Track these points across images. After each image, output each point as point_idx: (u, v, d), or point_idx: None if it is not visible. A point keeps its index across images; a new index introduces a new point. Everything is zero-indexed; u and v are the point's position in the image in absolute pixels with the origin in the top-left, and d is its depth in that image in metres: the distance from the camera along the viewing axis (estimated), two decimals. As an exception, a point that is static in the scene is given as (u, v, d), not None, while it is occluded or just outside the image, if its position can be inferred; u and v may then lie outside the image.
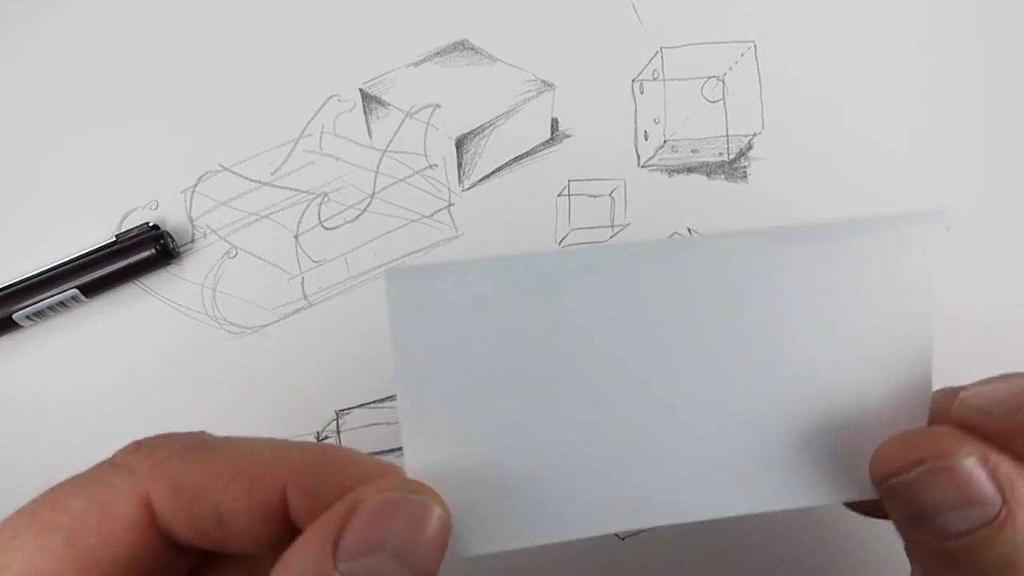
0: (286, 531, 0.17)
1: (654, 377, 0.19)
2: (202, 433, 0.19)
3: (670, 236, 0.36)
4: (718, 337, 0.19)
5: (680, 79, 0.37)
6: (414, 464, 0.18)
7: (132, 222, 0.36)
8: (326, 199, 0.36)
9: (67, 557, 0.16)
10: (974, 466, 0.17)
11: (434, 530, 0.17)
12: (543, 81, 0.37)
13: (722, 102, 0.37)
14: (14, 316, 0.34)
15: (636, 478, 0.19)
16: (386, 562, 0.16)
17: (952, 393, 0.20)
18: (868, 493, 0.20)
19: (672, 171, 0.36)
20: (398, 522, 0.16)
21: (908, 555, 0.21)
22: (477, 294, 0.18)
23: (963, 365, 0.35)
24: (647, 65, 0.37)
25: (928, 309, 0.19)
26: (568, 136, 0.37)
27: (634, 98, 0.37)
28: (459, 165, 0.36)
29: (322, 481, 0.17)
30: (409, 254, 0.36)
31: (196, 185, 0.36)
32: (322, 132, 0.36)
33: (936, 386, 0.20)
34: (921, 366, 0.19)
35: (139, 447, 0.18)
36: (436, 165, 0.36)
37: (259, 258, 0.36)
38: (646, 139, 0.36)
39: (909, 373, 0.19)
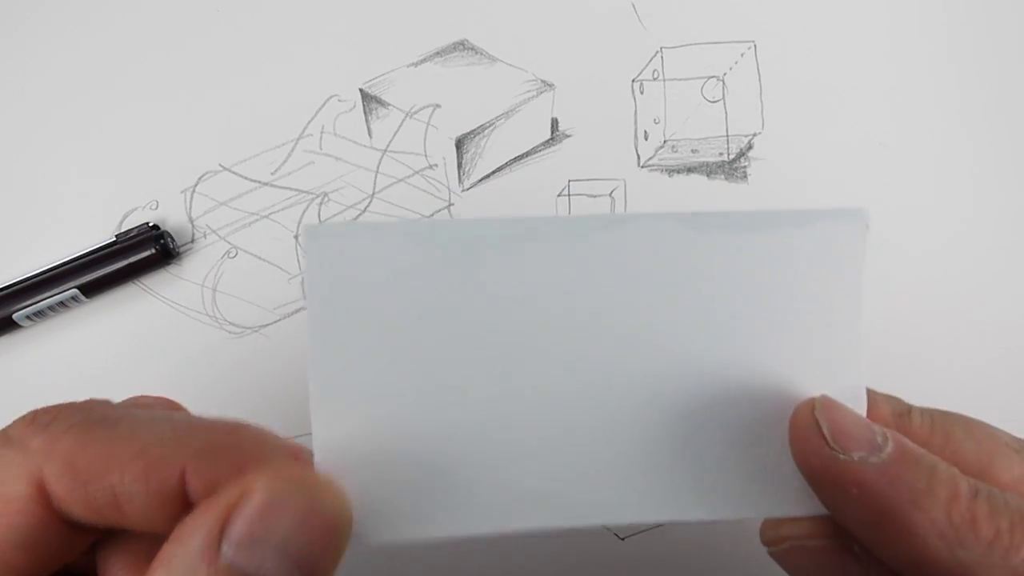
0: (185, 511, 0.17)
1: (573, 361, 0.18)
2: (103, 404, 0.18)
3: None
4: (638, 323, 0.18)
5: (680, 79, 0.37)
6: (322, 446, 0.17)
7: (132, 222, 0.36)
8: (326, 199, 0.36)
9: None
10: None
11: (324, 530, 0.16)
12: (543, 81, 0.37)
13: (722, 102, 0.37)
14: (14, 316, 0.34)
15: (555, 470, 0.18)
16: (268, 557, 0.15)
17: (901, 410, 0.19)
18: (797, 510, 0.19)
19: (672, 171, 0.36)
20: (285, 519, 0.16)
21: None
22: (396, 257, 0.17)
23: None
24: (647, 65, 0.37)
25: (854, 312, 0.18)
26: (568, 136, 0.36)
27: (634, 98, 0.37)
28: (459, 165, 0.36)
29: (221, 465, 0.17)
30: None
31: (196, 185, 0.36)
32: (322, 132, 0.36)
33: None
34: (851, 376, 0.18)
35: (35, 419, 0.17)
36: (436, 165, 0.36)
37: (259, 258, 0.36)
38: (646, 139, 0.36)
39: (838, 383, 0.18)
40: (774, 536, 0.19)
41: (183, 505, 0.17)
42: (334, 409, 0.18)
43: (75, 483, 0.16)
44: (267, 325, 0.35)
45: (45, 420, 0.17)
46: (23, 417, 0.17)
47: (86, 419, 0.17)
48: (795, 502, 0.18)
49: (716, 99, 0.37)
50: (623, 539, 0.34)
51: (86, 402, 0.18)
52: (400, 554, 0.34)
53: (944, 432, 0.19)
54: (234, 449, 0.17)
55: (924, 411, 0.19)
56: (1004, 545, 0.16)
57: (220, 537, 0.15)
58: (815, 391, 0.18)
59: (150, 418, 0.18)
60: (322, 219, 0.36)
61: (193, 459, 0.17)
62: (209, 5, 0.37)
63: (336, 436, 0.18)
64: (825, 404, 0.17)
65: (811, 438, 0.17)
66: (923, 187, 0.36)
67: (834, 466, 0.16)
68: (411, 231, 0.17)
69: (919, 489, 0.16)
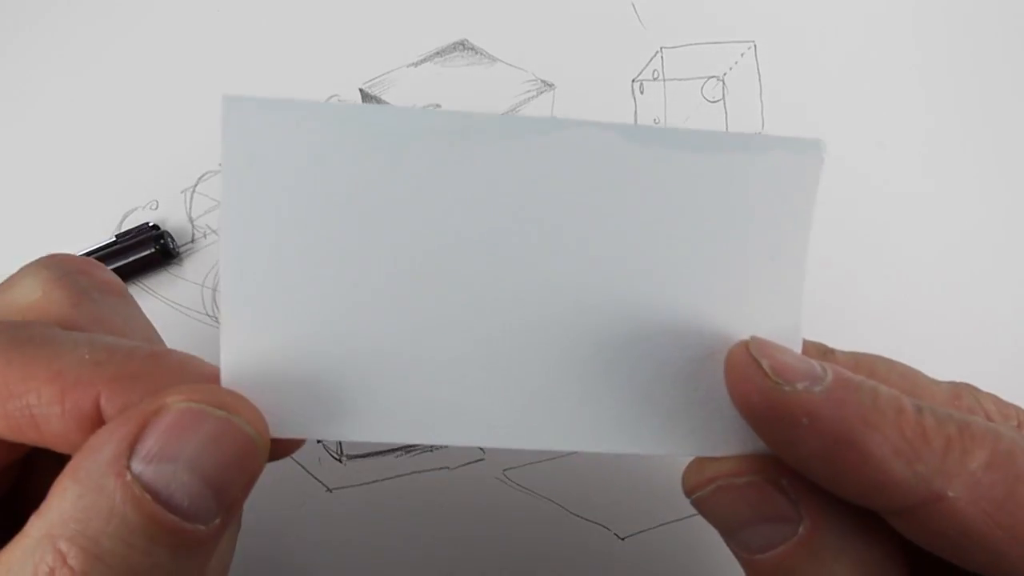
0: None
1: (498, 271, 0.17)
2: (31, 326, 0.18)
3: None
4: (571, 237, 0.17)
5: (680, 79, 0.37)
6: (231, 341, 0.17)
7: (132, 222, 0.36)
8: (326, 199, 0.36)
9: None
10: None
11: (237, 449, 0.16)
12: (543, 81, 0.37)
13: (722, 102, 0.37)
14: (14, 316, 0.34)
15: (473, 385, 0.17)
16: (179, 472, 0.15)
17: (825, 350, 0.19)
18: (732, 448, 0.18)
19: (672, 171, 0.36)
20: (196, 436, 0.16)
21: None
22: (321, 140, 0.16)
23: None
24: (647, 65, 0.37)
25: (801, 250, 0.17)
26: (568, 136, 0.37)
27: (634, 98, 0.37)
28: (459, 165, 0.36)
29: (136, 390, 0.17)
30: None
31: (196, 185, 0.36)
32: (322, 132, 0.36)
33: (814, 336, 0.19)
34: (791, 316, 0.17)
35: None
36: (436, 165, 0.36)
37: (259, 258, 0.36)
38: (646, 139, 0.36)
39: (777, 322, 0.17)
40: (699, 480, 0.18)
41: (99, 427, 0.17)
42: (247, 299, 0.17)
43: None
44: (267, 325, 0.35)
45: None
46: None
47: (11, 339, 0.17)
48: (730, 440, 0.18)
49: (716, 99, 0.37)
50: (623, 539, 0.34)
51: (18, 323, 0.18)
52: (398, 554, 0.34)
53: (868, 368, 0.19)
54: (150, 375, 0.17)
55: (846, 352, 0.19)
56: (957, 452, 0.15)
57: (130, 451, 0.15)
58: (752, 328, 0.17)
59: (73, 341, 0.17)
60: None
61: (108, 384, 0.17)
62: (209, 5, 0.37)
63: (247, 332, 0.17)
64: (759, 343, 0.17)
65: (751, 375, 0.16)
66: (923, 187, 0.36)
67: (779, 399, 0.16)
68: (339, 113, 0.16)
69: (867, 408, 0.16)
